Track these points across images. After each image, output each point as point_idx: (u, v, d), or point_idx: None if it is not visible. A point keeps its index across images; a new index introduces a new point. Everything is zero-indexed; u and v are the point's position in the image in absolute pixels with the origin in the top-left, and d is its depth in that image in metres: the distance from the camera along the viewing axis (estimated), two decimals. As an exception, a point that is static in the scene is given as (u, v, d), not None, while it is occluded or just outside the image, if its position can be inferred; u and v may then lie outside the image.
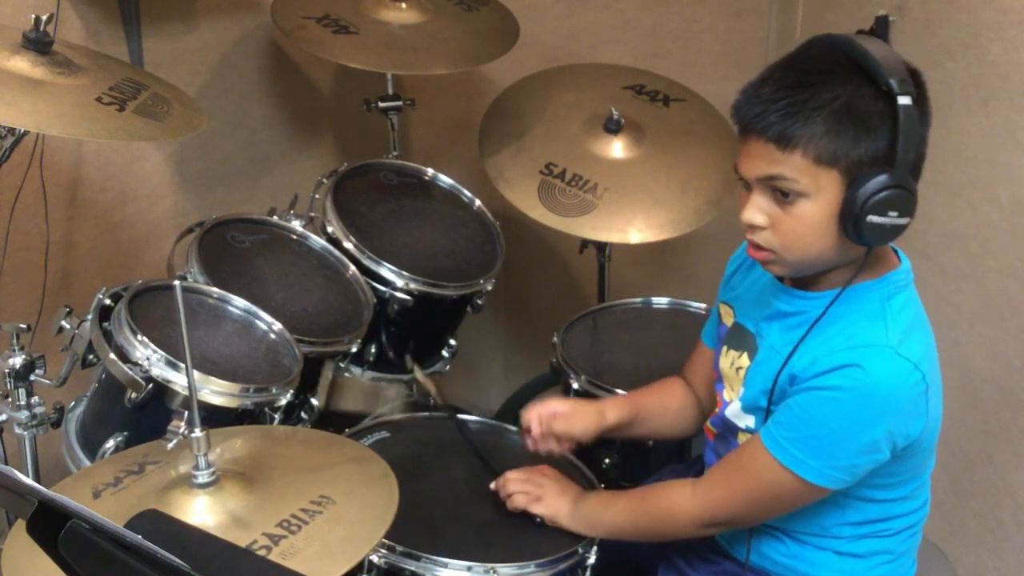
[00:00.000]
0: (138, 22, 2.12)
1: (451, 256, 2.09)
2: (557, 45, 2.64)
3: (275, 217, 2.01)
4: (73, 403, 1.72)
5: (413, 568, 1.44)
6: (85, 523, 0.79)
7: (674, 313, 2.18)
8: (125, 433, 1.57)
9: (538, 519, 1.55)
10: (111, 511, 1.23)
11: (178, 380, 1.53)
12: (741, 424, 1.45)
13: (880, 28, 2.19)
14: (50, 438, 1.71)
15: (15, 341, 1.63)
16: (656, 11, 2.70)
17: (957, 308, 2.05)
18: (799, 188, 1.26)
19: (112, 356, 1.54)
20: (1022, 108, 1.84)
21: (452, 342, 2.17)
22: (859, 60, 1.24)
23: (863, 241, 1.27)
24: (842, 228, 1.27)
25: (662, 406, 1.69)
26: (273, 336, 1.74)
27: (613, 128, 2.18)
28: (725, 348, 1.51)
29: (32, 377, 1.65)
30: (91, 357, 1.61)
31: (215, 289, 1.74)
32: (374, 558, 1.44)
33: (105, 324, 1.59)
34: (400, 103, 2.31)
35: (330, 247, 1.99)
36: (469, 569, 1.44)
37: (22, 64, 1.54)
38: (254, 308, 1.75)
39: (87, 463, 1.62)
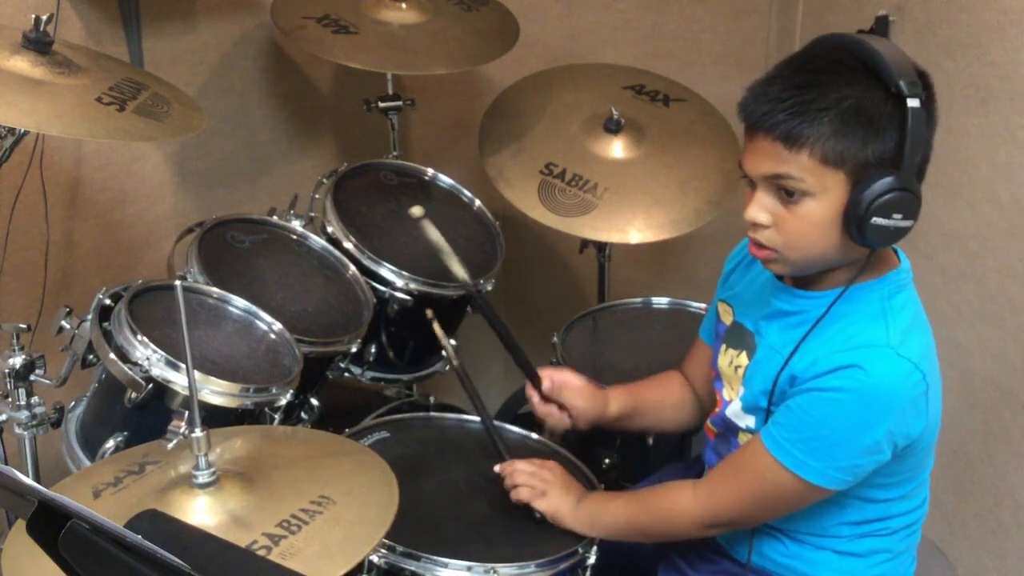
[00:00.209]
0: (138, 22, 2.12)
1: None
2: (557, 45, 2.64)
3: (275, 217, 2.01)
4: (73, 403, 1.72)
5: (413, 568, 1.44)
6: (85, 523, 0.79)
7: (674, 313, 2.18)
8: (125, 433, 1.57)
9: (538, 515, 1.55)
10: (111, 511, 1.22)
11: (178, 380, 1.53)
12: (742, 424, 1.45)
13: (880, 28, 2.19)
14: (50, 438, 1.71)
15: (15, 341, 1.63)
16: (656, 11, 2.70)
17: (957, 308, 2.05)
18: (804, 188, 1.26)
19: (112, 356, 1.54)
20: (1022, 108, 1.84)
21: (452, 342, 2.17)
22: (868, 61, 1.24)
23: (866, 243, 1.26)
24: (846, 229, 1.26)
25: (661, 400, 1.70)
26: (273, 336, 1.74)
27: (613, 128, 2.18)
28: (724, 347, 1.51)
29: (32, 377, 1.65)
30: (91, 357, 1.60)
31: (215, 289, 1.74)
32: (374, 558, 1.44)
33: (105, 324, 1.59)
34: (400, 103, 2.31)
35: (330, 247, 1.99)
36: (469, 569, 1.43)
37: (22, 64, 1.54)
38: (254, 308, 1.75)
39: (87, 463, 1.62)
